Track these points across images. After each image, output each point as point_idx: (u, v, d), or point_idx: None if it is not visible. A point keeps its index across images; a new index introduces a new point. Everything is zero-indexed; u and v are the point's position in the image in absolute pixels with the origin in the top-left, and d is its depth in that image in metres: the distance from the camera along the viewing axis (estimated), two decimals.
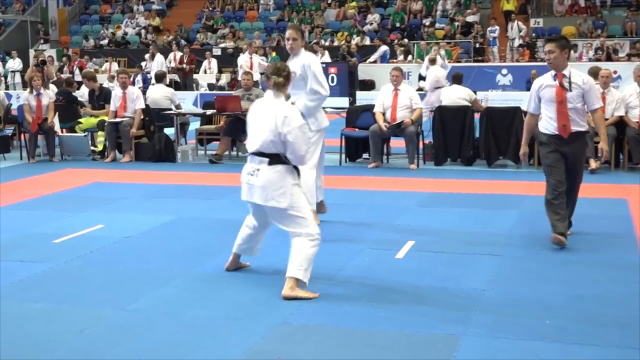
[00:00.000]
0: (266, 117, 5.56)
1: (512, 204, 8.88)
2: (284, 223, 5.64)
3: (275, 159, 5.56)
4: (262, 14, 30.11)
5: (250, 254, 6.12)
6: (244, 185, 5.72)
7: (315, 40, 26.50)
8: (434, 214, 8.40)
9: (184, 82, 25.06)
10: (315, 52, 23.00)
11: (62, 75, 21.40)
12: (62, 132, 13.16)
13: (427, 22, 27.32)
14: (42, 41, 30.23)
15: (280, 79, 5.66)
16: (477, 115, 11.89)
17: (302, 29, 8.06)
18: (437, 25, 27.08)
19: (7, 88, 25.79)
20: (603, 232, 7.42)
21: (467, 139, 11.61)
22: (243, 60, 18.11)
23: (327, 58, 22.75)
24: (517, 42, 25.32)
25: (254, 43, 23.55)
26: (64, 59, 27.59)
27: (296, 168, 5.68)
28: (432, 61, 17.36)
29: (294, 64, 7.32)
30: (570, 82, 6.68)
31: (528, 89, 21.23)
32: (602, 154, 6.85)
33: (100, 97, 13.29)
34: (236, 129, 11.94)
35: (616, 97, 11.13)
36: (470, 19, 26.77)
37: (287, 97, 5.84)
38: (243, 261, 6.23)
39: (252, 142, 5.67)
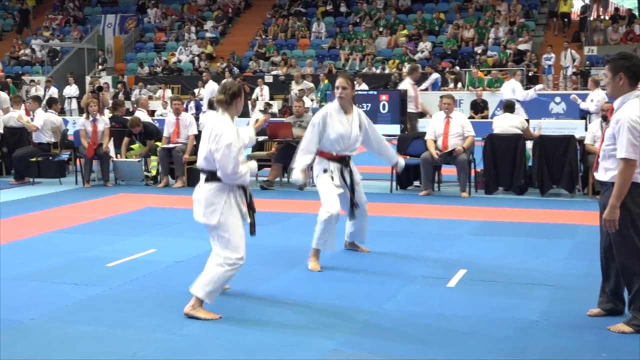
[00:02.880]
0: (206, 134, 5.65)
1: (565, 233, 8.75)
2: (212, 240, 5.73)
3: (211, 176, 5.64)
4: (314, 41, 30.31)
5: None
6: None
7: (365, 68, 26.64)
8: (485, 243, 8.31)
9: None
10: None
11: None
12: (116, 157, 13.37)
13: (479, 49, 27.23)
14: (100, 68, 30.81)
15: (221, 96, 5.67)
16: (529, 144, 11.78)
17: (353, 79, 7.86)
18: (489, 53, 26.97)
19: (63, 114, 26.31)
20: None
21: (518, 167, 11.49)
22: None
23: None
24: (570, 71, 25.07)
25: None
26: (119, 85, 28.10)
27: (244, 188, 5.73)
28: (597, 83, 17.08)
29: (350, 121, 7.21)
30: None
31: (582, 118, 21.08)
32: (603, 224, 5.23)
33: (144, 135, 13.35)
34: (288, 156, 11.92)
35: None
36: (522, 47, 26.62)
37: (234, 116, 5.76)
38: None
39: (198, 157, 5.79)
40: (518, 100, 16.69)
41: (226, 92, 5.67)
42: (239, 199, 5.73)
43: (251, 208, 5.82)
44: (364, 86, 23.42)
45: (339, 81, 7.22)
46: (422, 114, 15.76)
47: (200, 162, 5.73)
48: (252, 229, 5.84)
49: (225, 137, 5.50)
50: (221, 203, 5.61)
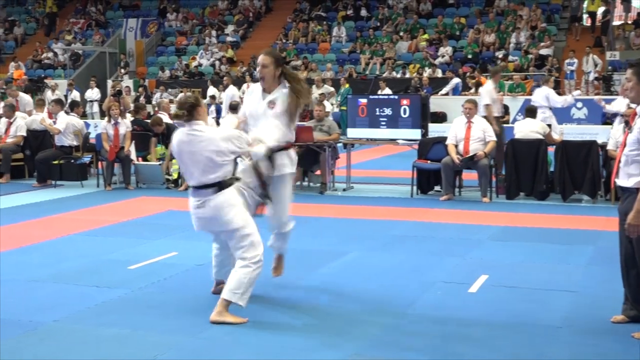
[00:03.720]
0: (190, 150, 5.67)
1: (588, 239, 8.69)
2: (232, 243, 5.78)
3: (219, 185, 5.70)
4: (334, 46, 30.32)
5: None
6: (193, 217, 5.90)
7: (386, 73, 26.66)
8: (507, 248, 8.27)
9: None
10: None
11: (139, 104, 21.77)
12: (137, 160, 13.43)
13: (500, 54, 27.12)
14: (123, 71, 30.98)
15: (179, 112, 5.74)
16: (550, 149, 11.72)
17: (278, 55, 6.42)
18: (510, 57, 26.85)
19: (85, 117, 26.46)
20: None
21: (540, 172, 11.43)
22: None
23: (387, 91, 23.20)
24: (592, 76, 24.92)
25: None
26: (140, 89, 28.23)
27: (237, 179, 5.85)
28: None
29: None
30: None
31: (604, 123, 20.90)
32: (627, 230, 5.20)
33: (167, 136, 13.42)
34: (308, 160, 11.99)
35: None
36: (544, 52, 26.48)
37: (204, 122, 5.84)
38: None
39: (190, 177, 5.82)
40: (550, 108, 16.11)
41: (182, 107, 5.72)
42: (248, 197, 5.94)
43: None
44: (387, 90, 23.40)
45: (260, 58, 6.15)
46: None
47: (201, 179, 5.70)
48: None
49: (223, 137, 5.69)
50: (239, 204, 5.74)
